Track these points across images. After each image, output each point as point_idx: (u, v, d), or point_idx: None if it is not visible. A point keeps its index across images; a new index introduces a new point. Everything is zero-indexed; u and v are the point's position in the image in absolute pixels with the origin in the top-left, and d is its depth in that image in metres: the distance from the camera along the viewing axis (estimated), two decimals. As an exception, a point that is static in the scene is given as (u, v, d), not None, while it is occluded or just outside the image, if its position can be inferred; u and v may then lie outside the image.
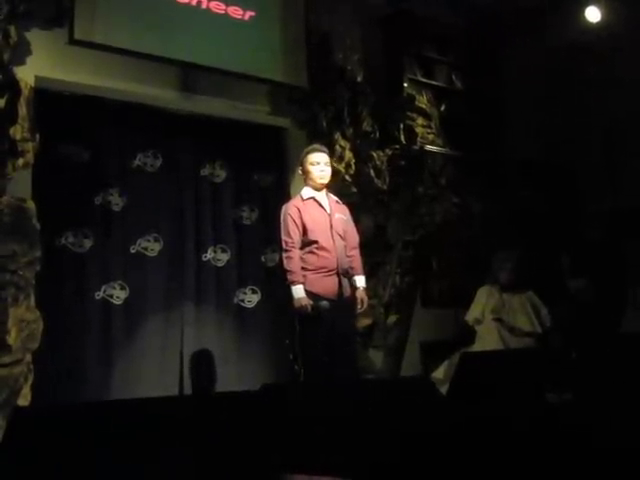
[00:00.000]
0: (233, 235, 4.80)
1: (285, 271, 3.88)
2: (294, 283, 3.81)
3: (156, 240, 4.43)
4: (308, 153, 4.06)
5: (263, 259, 4.91)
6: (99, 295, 4.17)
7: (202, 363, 4.47)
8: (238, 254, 4.78)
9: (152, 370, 4.28)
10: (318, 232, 3.90)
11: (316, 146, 4.14)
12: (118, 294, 4.23)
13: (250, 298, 4.79)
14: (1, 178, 3.69)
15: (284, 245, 3.90)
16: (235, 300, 4.73)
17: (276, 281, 4.84)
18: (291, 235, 3.88)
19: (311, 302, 3.78)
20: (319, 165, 4.01)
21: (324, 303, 3.82)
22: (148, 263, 4.39)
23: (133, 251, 4.34)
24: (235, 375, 4.53)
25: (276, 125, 5.05)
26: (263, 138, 5.04)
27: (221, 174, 4.81)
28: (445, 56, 5.99)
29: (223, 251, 4.72)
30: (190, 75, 4.55)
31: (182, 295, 4.48)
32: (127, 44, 4.13)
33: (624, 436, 2.14)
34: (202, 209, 4.69)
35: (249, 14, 4.68)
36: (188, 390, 4.37)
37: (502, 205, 5.89)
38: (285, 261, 3.89)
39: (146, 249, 4.39)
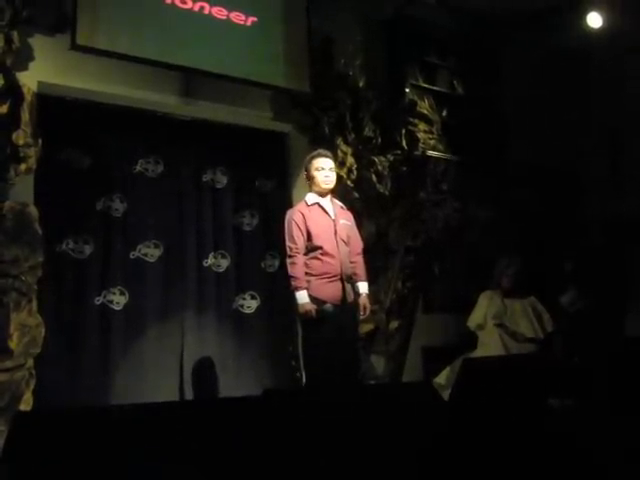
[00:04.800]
0: (233, 241, 4.80)
1: (289, 277, 3.88)
2: (298, 289, 3.81)
3: (156, 246, 4.44)
4: (313, 158, 4.06)
5: (263, 265, 4.91)
6: (99, 300, 4.17)
7: (202, 368, 4.46)
8: (238, 260, 4.78)
9: (152, 375, 4.28)
10: (322, 238, 3.90)
11: (321, 151, 4.13)
12: (118, 299, 4.23)
13: (249, 304, 4.78)
14: (4, 183, 3.70)
15: (288, 251, 3.90)
16: (234, 306, 4.73)
17: (275, 287, 4.85)
18: (295, 241, 3.87)
19: (315, 307, 3.78)
20: (324, 171, 4.01)
21: (328, 306, 3.82)
22: (148, 269, 4.39)
23: (133, 257, 4.35)
24: (235, 380, 4.53)
25: (278, 131, 5.05)
26: (265, 144, 5.04)
27: (222, 180, 4.81)
28: (446, 61, 6.00)
29: (223, 257, 4.72)
30: (192, 81, 4.56)
31: (182, 300, 4.48)
32: (129, 50, 4.14)
33: (626, 440, 2.13)
34: (203, 215, 4.69)
35: (251, 20, 4.68)
36: (189, 395, 4.36)
37: (504, 210, 5.89)
38: (289, 267, 3.89)
39: (146, 255, 4.39)
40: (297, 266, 3.84)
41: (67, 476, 1.60)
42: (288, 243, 3.91)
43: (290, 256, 3.88)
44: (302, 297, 3.79)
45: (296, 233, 3.88)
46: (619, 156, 6.28)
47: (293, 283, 3.84)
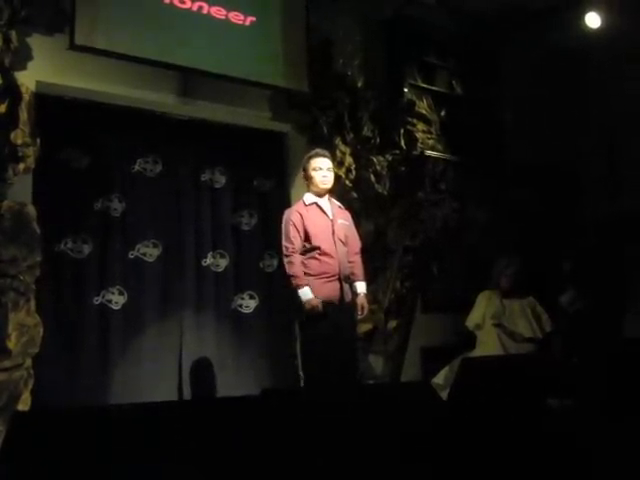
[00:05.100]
0: (232, 240, 4.80)
1: (288, 276, 3.87)
2: (300, 286, 3.79)
3: (155, 245, 4.43)
4: (310, 158, 4.05)
5: (261, 265, 4.91)
6: (98, 300, 4.17)
7: (201, 368, 4.46)
8: (237, 259, 4.78)
9: (151, 375, 4.27)
10: (320, 238, 3.90)
11: (319, 151, 4.12)
12: (117, 299, 4.22)
13: (248, 303, 4.78)
14: (2, 183, 3.70)
15: (284, 250, 3.90)
16: (233, 305, 4.73)
17: (274, 286, 4.85)
18: (292, 241, 3.87)
19: (320, 301, 3.77)
20: (321, 171, 4.00)
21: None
22: (147, 268, 4.38)
23: (132, 256, 4.34)
24: (233, 380, 4.53)
25: (276, 130, 5.05)
26: (263, 143, 5.04)
27: (221, 179, 4.81)
28: (445, 61, 6.00)
29: (222, 256, 4.72)
30: (190, 80, 4.56)
31: (181, 300, 4.48)
32: (127, 49, 4.13)
33: (624, 441, 2.13)
34: (201, 214, 4.69)
35: (250, 19, 4.68)
36: (187, 395, 4.36)
37: (503, 210, 5.89)
38: (287, 266, 3.88)
39: (145, 254, 4.39)
40: (295, 265, 3.84)
41: (66, 476, 1.59)
42: (284, 243, 3.91)
43: (287, 255, 3.88)
44: (306, 293, 3.78)
45: (293, 234, 3.88)
46: (617, 156, 6.28)
47: (294, 282, 3.83)
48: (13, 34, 3.75)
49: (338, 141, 5.05)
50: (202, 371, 4.46)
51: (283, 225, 3.96)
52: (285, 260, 3.90)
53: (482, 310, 5.07)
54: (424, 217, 5.47)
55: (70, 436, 1.67)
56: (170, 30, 4.32)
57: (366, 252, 4.38)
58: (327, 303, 3.82)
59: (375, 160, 5.24)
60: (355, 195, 5.04)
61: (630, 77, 6.01)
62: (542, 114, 6.23)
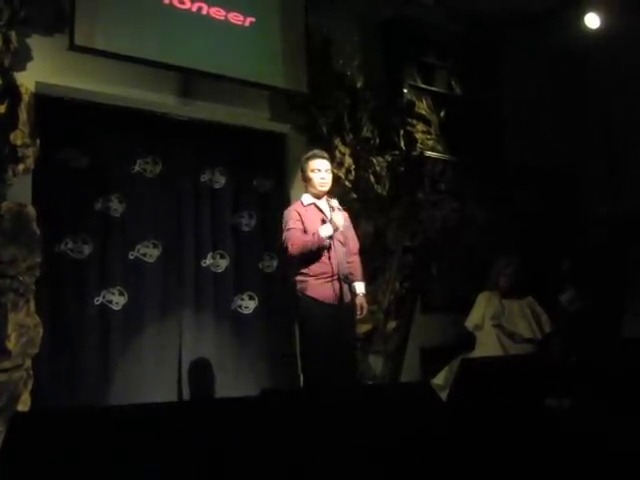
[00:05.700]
0: (232, 241, 4.80)
1: (306, 249, 3.80)
2: (318, 237, 3.79)
3: (155, 246, 4.43)
4: (309, 159, 4.04)
5: (261, 265, 4.91)
6: (98, 301, 4.17)
7: (200, 369, 4.46)
8: (236, 260, 4.78)
9: (150, 376, 4.27)
10: (319, 238, 3.89)
11: (317, 152, 4.11)
12: (117, 300, 4.23)
13: (247, 304, 4.78)
14: (2, 183, 3.70)
15: (285, 242, 3.85)
16: (233, 306, 4.73)
17: (273, 287, 4.86)
18: (292, 233, 3.85)
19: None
20: (320, 172, 4.00)
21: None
22: (147, 269, 4.38)
23: (132, 257, 4.34)
24: (232, 381, 4.53)
25: (276, 131, 5.05)
26: (263, 144, 5.04)
27: (220, 180, 4.81)
28: (445, 62, 5.99)
29: (222, 257, 4.72)
30: (190, 81, 4.56)
31: (181, 301, 4.48)
32: (127, 50, 4.13)
33: (625, 440, 2.14)
34: (201, 215, 4.69)
35: (249, 20, 4.68)
36: (187, 395, 4.36)
37: (502, 210, 5.89)
38: (295, 247, 3.81)
39: (145, 255, 4.39)
40: (299, 239, 3.80)
41: (65, 476, 1.60)
42: (285, 234, 3.87)
43: (287, 246, 3.84)
44: (325, 229, 3.80)
45: (294, 228, 3.86)
46: (617, 156, 6.29)
47: (314, 242, 3.79)
48: (13, 34, 3.75)
49: (337, 142, 5.05)
50: (201, 371, 4.47)
51: (283, 222, 3.94)
52: (290, 248, 3.83)
53: (481, 311, 5.07)
54: (423, 217, 5.47)
55: (70, 437, 1.67)
56: (170, 31, 4.32)
57: (365, 253, 4.38)
58: (326, 304, 3.83)
59: (375, 161, 5.24)
60: (355, 196, 5.04)
61: (629, 77, 6.01)
62: (541, 114, 6.24)
